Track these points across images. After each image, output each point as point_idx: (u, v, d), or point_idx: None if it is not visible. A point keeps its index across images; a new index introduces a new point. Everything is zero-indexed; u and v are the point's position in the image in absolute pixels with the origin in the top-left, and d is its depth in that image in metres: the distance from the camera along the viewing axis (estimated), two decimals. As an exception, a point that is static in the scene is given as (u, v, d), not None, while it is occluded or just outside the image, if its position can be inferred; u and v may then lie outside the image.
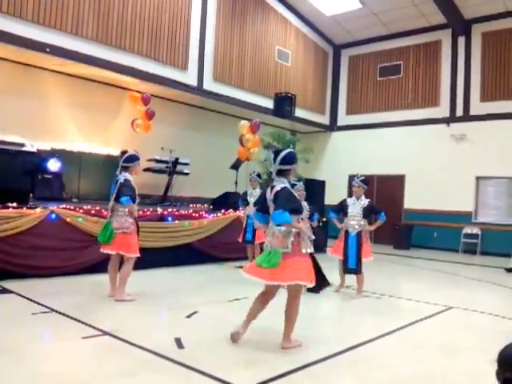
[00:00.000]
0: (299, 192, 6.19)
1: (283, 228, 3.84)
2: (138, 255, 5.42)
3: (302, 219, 4.31)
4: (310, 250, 3.97)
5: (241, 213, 8.84)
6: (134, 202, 5.36)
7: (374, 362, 3.77)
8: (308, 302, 5.96)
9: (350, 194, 7.31)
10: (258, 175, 8.32)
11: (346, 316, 5.52)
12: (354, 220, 6.50)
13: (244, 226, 8.15)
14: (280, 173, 4.02)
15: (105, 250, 5.44)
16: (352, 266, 6.45)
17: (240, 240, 8.14)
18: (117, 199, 5.36)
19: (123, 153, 5.64)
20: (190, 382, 3.21)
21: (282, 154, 4.02)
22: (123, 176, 5.42)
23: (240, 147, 10.38)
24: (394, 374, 3.54)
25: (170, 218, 8.05)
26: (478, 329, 5.06)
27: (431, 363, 3.84)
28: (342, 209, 6.73)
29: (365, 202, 6.58)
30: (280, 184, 3.95)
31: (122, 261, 5.50)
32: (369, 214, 6.62)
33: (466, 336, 4.74)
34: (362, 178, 6.63)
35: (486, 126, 13.02)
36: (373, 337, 4.44)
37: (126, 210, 5.35)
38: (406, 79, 14.76)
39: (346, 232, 6.54)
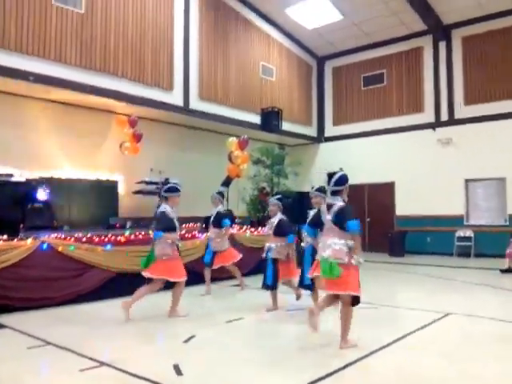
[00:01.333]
0: (271, 207, 6.42)
1: (342, 241, 4.38)
2: (183, 279, 5.79)
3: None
4: (358, 262, 4.43)
5: (201, 236, 8.39)
6: (170, 230, 5.66)
7: (375, 377, 3.75)
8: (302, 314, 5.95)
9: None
10: (220, 193, 7.98)
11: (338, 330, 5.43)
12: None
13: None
14: (334, 193, 4.57)
15: (146, 274, 5.65)
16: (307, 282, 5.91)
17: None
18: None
19: (166, 180, 7.09)
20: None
21: (336, 176, 4.57)
22: (161, 208, 5.76)
23: (229, 164, 10.40)
24: (396, 388, 3.51)
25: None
26: (478, 334, 5.05)
27: (435, 373, 3.82)
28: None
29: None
30: (338, 202, 4.52)
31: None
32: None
33: (466, 342, 4.73)
34: (318, 186, 5.76)
35: (471, 128, 13.18)
36: (372, 349, 4.42)
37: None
38: (390, 87, 14.93)
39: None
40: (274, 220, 6.29)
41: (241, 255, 7.69)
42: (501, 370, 3.89)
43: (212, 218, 7.58)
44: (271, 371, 3.88)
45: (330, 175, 4.61)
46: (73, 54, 9.38)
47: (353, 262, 4.37)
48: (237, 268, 7.78)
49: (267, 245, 6.27)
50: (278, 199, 6.48)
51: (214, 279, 8.54)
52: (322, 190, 5.58)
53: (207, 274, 7.56)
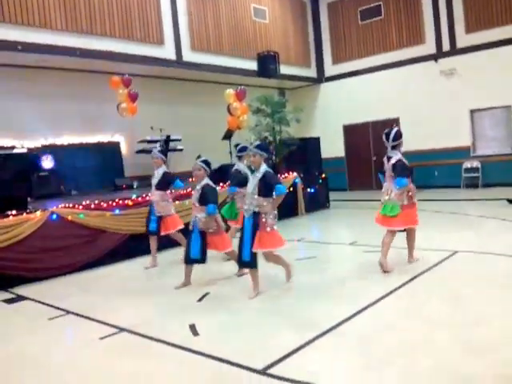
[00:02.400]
0: (196, 172, 5.39)
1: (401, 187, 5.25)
2: None
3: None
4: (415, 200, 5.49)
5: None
6: (243, 186, 6.02)
7: (381, 327, 3.85)
8: (311, 263, 6.07)
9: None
10: (162, 151, 6.90)
11: (350, 276, 5.54)
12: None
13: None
14: (393, 147, 5.34)
15: (232, 225, 6.66)
16: (246, 259, 4.88)
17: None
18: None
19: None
20: (208, 371, 3.31)
21: (392, 132, 5.34)
22: (236, 166, 6.79)
23: (229, 116, 10.27)
24: (403, 336, 3.63)
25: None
26: (485, 273, 5.14)
27: (439, 320, 3.92)
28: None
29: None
30: (395, 156, 5.31)
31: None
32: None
33: (473, 283, 4.83)
34: (258, 143, 5.16)
35: (474, 57, 12.76)
36: (381, 295, 4.53)
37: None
38: (388, 20, 14.36)
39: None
40: (199, 187, 5.37)
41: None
42: (504, 312, 3.98)
43: (157, 180, 6.57)
44: (283, 322, 4.03)
45: (387, 133, 5.38)
46: (58, 18, 9.08)
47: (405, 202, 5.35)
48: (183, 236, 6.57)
49: (193, 216, 5.37)
50: (203, 161, 5.50)
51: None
52: (263, 147, 4.97)
53: (153, 243, 6.69)
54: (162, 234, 6.53)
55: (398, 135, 5.36)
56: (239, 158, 6.76)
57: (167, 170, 6.75)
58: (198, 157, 5.51)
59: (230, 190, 6.60)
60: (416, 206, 5.57)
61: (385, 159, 5.52)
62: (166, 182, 6.60)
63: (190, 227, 5.33)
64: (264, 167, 4.81)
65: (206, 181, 5.39)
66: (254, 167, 4.90)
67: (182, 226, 6.53)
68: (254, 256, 4.77)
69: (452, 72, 13.21)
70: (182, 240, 6.55)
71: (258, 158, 4.81)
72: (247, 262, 4.82)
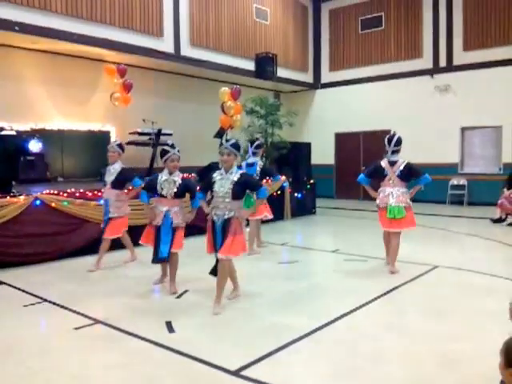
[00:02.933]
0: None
1: (403, 189, 5.68)
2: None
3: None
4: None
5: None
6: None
7: (356, 334, 3.88)
8: (292, 267, 6.09)
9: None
10: (120, 145, 6.23)
11: (330, 283, 5.58)
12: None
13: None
14: (394, 152, 5.75)
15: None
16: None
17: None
18: (262, 179, 7.25)
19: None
20: (181, 368, 3.29)
21: (395, 138, 5.74)
22: (256, 160, 7.18)
23: (222, 115, 10.25)
24: (378, 346, 3.65)
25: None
26: (464, 288, 5.19)
27: (416, 330, 3.95)
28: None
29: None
30: (401, 160, 5.74)
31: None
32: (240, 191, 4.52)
33: (452, 297, 4.87)
34: (233, 141, 4.64)
35: (469, 75, 12.91)
36: (359, 304, 4.55)
37: None
38: (388, 31, 14.46)
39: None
40: (177, 178, 4.98)
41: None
42: (479, 327, 4.03)
43: (113, 177, 6.03)
44: (259, 325, 4.02)
45: (390, 138, 5.75)
46: (58, 2, 8.99)
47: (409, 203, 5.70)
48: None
49: (161, 210, 4.97)
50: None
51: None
52: (237, 146, 4.56)
53: (105, 244, 6.15)
54: (107, 236, 6.02)
55: (400, 141, 5.73)
56: (254, 154, 7.30)
57: (124, 166, 6.15)
58: (172, 146, 5.04)
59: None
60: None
61: (385, 164, 5.79)
62: (122, 180, 6.09)
63: (158, 222, 4.88)
64: (235, 168, 4.51)
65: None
66: (225, 167, 4.48)
67: (126, 228, 6.27)
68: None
69: (447, 88, 13.34)
70: (130, 245, 6.41)
71: (231, 158, 4.47)
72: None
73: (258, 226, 7.43)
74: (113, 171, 6.07)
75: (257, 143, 7.48)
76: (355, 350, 3.53)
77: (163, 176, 4.99)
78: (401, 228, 5.74)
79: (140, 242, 5.16)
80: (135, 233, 6.03)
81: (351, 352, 3.49)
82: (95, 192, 7.22)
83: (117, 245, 6.80)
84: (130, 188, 6.50)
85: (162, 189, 4.94)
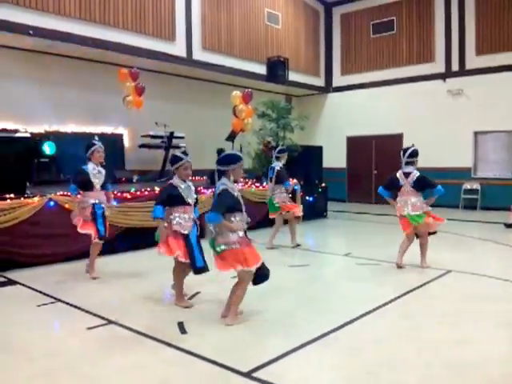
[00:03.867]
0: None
1: (417, 198, 6.10)
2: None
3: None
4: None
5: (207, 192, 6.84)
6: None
7: (368, 338, 3.85)
8: (304, 271, 6.08)
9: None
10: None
11: (342, 286, 5.55)
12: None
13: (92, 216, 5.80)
14: (408, 163, 6.05)
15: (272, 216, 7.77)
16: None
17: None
18: (277, 182, 7.63)
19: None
20: (193, 369, 3.30)
21: (410, 150, 6.07)
22: (277, 165, 7.59)
23: (234, 118, 10.28)
24: (390, 351, 3.62)
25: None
26: (477, 294, 5.14)
27: (429, 336, 3.92)
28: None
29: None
30: (415, 172, 6.04)
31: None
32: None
33: (465, 303, 4.82)
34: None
35: (482, 79, 12.82)
36: (372, 308, 4.53)
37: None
38: (400, 35, 14.43)
39: None
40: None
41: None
42: (491, 332, 3.98)
43: (102, 179, 5.97)
44: (271, 327, 4.02)
45: (405, 149, 6.10)
46: (72, 6, 9.11)
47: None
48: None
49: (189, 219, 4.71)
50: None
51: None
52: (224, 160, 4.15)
53: (97, 248, 5.94)
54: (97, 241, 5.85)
55: (414, 153, 6.06)
56: (277, 158, 7.79)
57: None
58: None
59: (287, 184, 7.72)
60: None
61: (400, 175, 6.15)
62: (106, 182, 6.05)
63: (186, 231, 4.60)
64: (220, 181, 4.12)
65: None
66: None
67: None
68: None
69: (459, 92, 13.26)
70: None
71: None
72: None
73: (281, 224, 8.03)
74: (104, 173, 6.01)
75: (279, 149, 8.01)
76: (367, 354, 3.50)
77: (179, 184, 4.63)
78: (433, 228, 6.24)
79: (161, 252, 4.58)
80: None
81: (363, 356, 3.47)
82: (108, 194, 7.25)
83: (127, 247, 6.88)
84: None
85: (187, 196, 4.63)
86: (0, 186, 6.48)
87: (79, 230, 5.77)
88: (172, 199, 4.60)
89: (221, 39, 12.26)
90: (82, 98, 10.39)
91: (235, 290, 4.22)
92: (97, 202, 5.85)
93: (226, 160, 4.11)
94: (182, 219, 4.61)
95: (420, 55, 14.06)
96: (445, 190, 6.09)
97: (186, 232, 4.58)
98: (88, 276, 5.88)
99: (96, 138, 5.73)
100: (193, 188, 4.77)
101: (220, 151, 4.30)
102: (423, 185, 6.06)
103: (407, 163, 6.09)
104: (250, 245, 4.16)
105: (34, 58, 9.75)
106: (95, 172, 5.91)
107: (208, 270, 4.54)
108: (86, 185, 5.82)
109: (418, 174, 6.05)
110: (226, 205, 4.03)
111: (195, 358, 3.44)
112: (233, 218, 4.08)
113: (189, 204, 4.67)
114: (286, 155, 7.96)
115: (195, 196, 4.78)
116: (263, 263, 4.17)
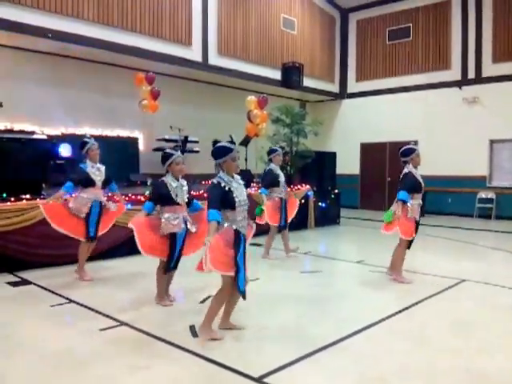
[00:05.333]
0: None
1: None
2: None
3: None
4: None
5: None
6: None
7: (380, 348, 3.82)
8: (316, 277, 6.05)
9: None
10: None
11: (354, 294, 5.52)
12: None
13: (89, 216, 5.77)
14: (403, 162, 5.79)
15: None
16: None
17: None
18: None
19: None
20: (204, 373, 3.30)
21: (402, 149, 5.83)
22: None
23: (248, 123, 10.30)
24: (402, 360, 3.59)
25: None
26: (491, 304, 5.08)
27: (441, 345, 3.88)
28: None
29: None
30: (405, 170, 5.75)
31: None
32: None
33: (478, 313, 4.77)
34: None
35: (498, 88, 12.69)
36: (384, 316, 4.49)
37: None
38: (416, 42, 14.35)
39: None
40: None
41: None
42: (506, 343, 3.93)
43: (105, 176, 6.00)
44: (282, 334, 4.01)
45: (399, 149, 5.87)
46: (90, 9, 9.25)
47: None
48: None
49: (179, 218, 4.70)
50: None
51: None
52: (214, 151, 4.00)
53: (90, 247, 5.99)
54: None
55: (404, 153, 5.80)
56: (270, 160, 7.42)
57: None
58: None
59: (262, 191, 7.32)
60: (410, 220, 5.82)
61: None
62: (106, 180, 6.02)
63: (179, 230, 4.63)
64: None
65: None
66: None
67: None
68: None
69: (475, 100, 13.15)
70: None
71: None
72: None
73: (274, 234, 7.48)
74: (103, 171, 5.99)
75: (270, 149, 7.68)
76: (378, 362, 3.48)
77: (171, 182, 4.60)
78: (387, 231, 5.85)
79: (145, 254, 4.57)
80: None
81: (374, 365, 3.44)
82: (122, 197, 7.31)
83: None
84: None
85: (176, 196, 4.61)
86: (16, 186, 6.58)
87: (53, 225, 5.54)
88: (161, 198, 4.62)
89: (236, 44, 12.33)
90: (98, 101, 10.51)
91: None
92: (96, 199, 5.81)
93: (215, 153, 3.92)
94: (172, 219, 4.58)
95: (436, 62, 13.97)
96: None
97: (176, 231, 4.60)
98: (79, 278, 5.80)
99: (88, 135, 5.73)
100: (186, 188, 4.74)
101: (215, 142, 4.01)
102: (399, 184, 5.78)
103: (403, 162, 5.84)
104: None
105: (50, 61, 9.90)
106: (93, 170, 5.87)
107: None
108: (86, 181, 5.77)
109: (403, 172, 5.78)
110: (215, 200, 3.77)
111: (205, 361, 3.44)
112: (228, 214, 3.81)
113: (178, 204, 4.62)
114: (279, 155, 7.41)
115: (186, 196, 4.72)
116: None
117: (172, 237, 4.63)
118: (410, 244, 5.89)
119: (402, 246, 5.88)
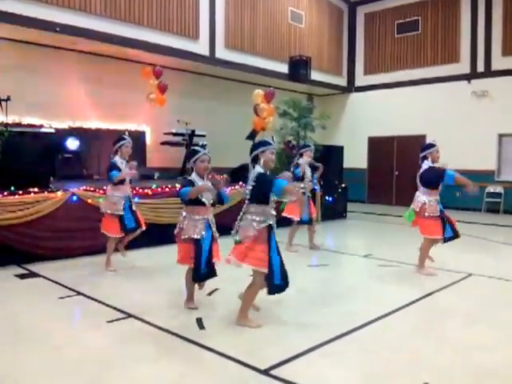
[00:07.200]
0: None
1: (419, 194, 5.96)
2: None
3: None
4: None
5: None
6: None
7: (388, 340, 3.82)
8: (323, 271, 6.06)
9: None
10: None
11: (362, 287, 5.51)
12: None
13: (121, 212, 5.87)
14: (422, 158, 5.90)
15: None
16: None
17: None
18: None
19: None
20: (211, 365, 3.32)
21: (422, 144, 6.01)
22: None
23: (255, 117, 10.28)
24: (411, 354, 3.59)
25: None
26: (498, 298, 5.06)
27: (450, 339, 3.87)
28: None
29: None
30: (424, 165, 5.83)
31: None
32: None
33: (484, 306, 4.75)
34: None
35: (508, 81, 12.58)
36: (392, 309, 4.49)
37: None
38: (425, 35, 14.24)
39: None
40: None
41: None
42: (519, 335, 3.91)
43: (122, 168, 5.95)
44: (290, 325, 4.01)
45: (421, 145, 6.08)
46: (97, 3, 9.25)
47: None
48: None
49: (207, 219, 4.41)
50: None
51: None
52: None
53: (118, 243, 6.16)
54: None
55: (427, 147, 5.99)
56: (301, 155, 7.55)
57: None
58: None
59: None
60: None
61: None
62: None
63: (197, 236, 4.26)
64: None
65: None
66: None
67: None
68: None
69: (484, 94, 13.04)
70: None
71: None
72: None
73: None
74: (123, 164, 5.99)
75: (302, 144, 8.26)
76: (387, 356, 3.47)
77: (196, 180, 4.34)
78: (414, 227, 6.03)
79: (179, 263, 4.38)
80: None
81: (382, 358, 3.44)
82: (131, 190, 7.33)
83: (151, 243, 6.95)
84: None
85: (201, 196, 4.29)
86: (24, 179, 6.62)
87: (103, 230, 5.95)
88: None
89: (244, 38, 12.28)
90: (105, 95, 10.52)
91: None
92: (127, 195, 5.99)
93: (254, 146, 4.08)
94: (194, 221, 4.27)
95: (445, 55, 13.85)
96: (467, 193, 5.70)
97: (197, 237, 4.22)
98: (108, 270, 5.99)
99: (126, 133, 5.93)
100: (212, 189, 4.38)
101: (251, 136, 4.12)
102: (421, 178, 5.91)
103: (421, 157, 5.97)
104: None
105: (57, 55, 9.91)
106: (123, 166, 5.96)
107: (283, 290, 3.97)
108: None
109: (424, 167, 5.86)
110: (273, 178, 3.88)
111: (213, 353, 3.45)
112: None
113: (203, 204, 4.32)
114: (311, 151, 7.56)
115: (212, 197, 4.35)
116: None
117: (197, 243, 4.24)
118: (446, 240, 5.87)
119: (425, 242, 5.96)
